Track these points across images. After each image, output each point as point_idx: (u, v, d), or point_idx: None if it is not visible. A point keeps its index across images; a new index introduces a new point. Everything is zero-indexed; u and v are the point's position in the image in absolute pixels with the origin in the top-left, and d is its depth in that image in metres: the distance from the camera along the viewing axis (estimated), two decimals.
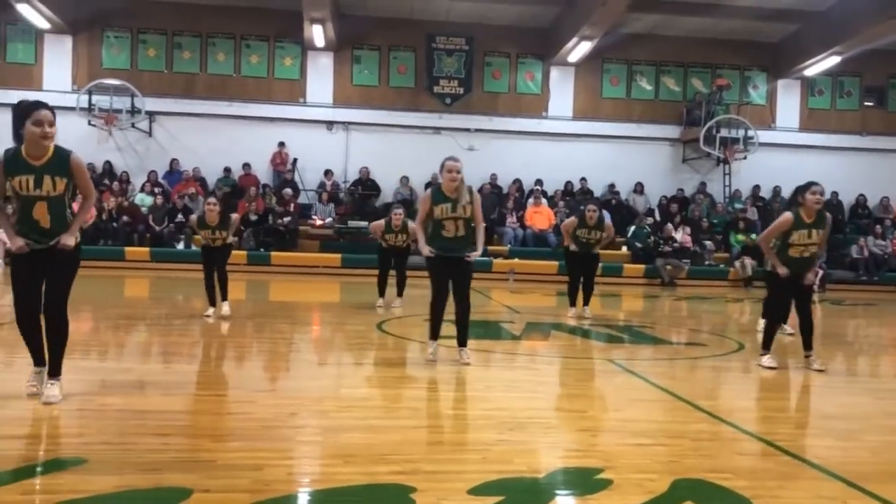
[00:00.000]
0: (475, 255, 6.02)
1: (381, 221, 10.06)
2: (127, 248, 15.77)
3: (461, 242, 6.06)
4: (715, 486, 3.42)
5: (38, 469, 3.33)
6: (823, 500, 3.35)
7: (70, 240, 4.33)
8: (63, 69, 18.44)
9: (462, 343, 6.11)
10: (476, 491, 3.23)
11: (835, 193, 19.62)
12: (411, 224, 10.11)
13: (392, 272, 10.02)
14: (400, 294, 10.02)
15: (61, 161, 4.28)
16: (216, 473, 3.33)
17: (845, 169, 19.90)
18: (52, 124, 4.20)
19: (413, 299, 10.16)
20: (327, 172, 18.59)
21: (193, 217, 9.02)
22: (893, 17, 16.20)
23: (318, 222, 17.25)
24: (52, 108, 4.23)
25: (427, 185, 18.92)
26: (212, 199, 8.59)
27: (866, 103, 20.52)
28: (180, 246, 16.08)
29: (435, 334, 6.20)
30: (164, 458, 3.51)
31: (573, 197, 18.90)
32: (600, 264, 10.07)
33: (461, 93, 19.13)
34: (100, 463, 3.39)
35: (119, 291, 12.54)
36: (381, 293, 9.94)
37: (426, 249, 6.01)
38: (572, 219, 9.99)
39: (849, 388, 5.73)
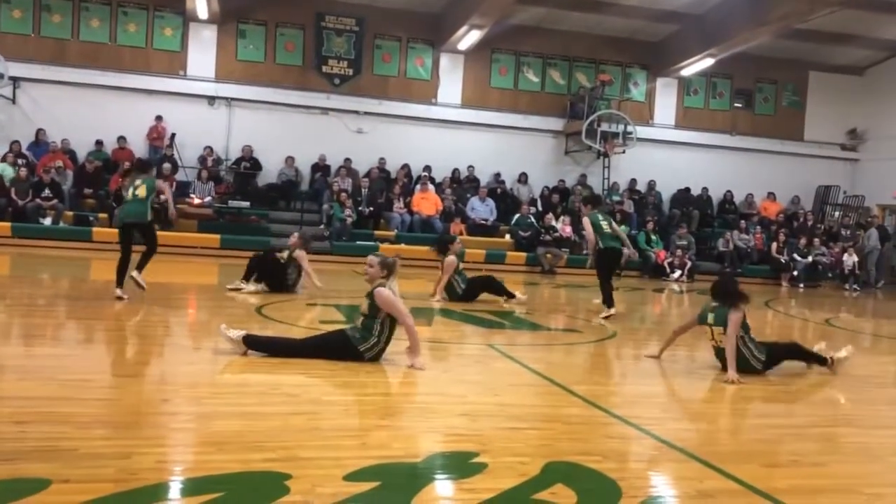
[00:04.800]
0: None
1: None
2: None
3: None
4: (585, 468, 3.55)
5: None
6: (684, 481, 3.54)
7: None
8: None
9: None
10: (352, 477, 3.22)
11: (705, 189, 20.68)
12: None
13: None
14: None
15: None
16: (78, 463, 3.17)
17: (716, 166, 21.02)
18: None
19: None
20: (207, 149, 17.94)
21: None
22: (761, 24, 17.22)
23: (197, 201, 16.62)
24: None
25: (313, 167, 18.67)
26: None
27: (736, 105, 21.69)
28: (47, 221, 15.15)
29: None
30: (21, 446, 3.31)
31: (460, 184, 19.07)
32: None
33: (350, 74, 18.86)
34: None
35: None
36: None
37: None
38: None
39: (710, 373, 6.06)
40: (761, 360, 6.05)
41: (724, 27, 17.92)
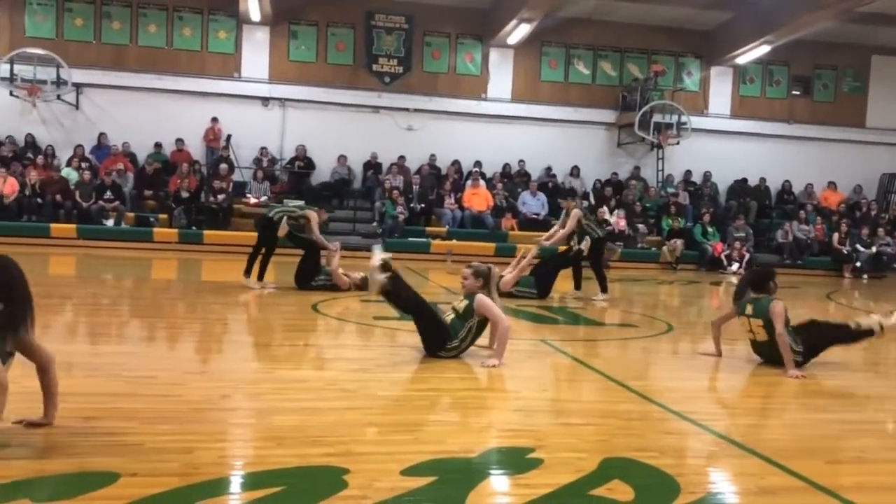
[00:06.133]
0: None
1: None
2: (52, 225, 15.22)
3: None
4: (642, 464, 3.52)
5: None
6: (744, 477, 3.48)
7: None
8: None
9: None
10: (409, 472, 3.25)
11: (762, 179, 20.22)
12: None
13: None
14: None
15: None
16: (144, 457, 3.26)
17: (773, 155, 20.53)
18: None
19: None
20: (262, 149, 18.26)
21: None
22: (820, 7, 16.72)
23: (253, 200, 16.93)
24: None
25: (365, 165, 18.85)
26: None
27: (793, 92, 21.16)
28: (109, 223, 15.61)
29: None
30: (90, 441, 3.42)
31: (511, 179, 19.02)
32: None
33: (400, 72, 18.98)
34: (21, 447, 3.29)
35: (44, 270, 12.09)
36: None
37: None
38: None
39: (769, 367, 5.92)
40: (799, 351, 5.86)
41: (780, 13, 17.47)
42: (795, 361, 5.78)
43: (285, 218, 9.63)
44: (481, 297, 5.68)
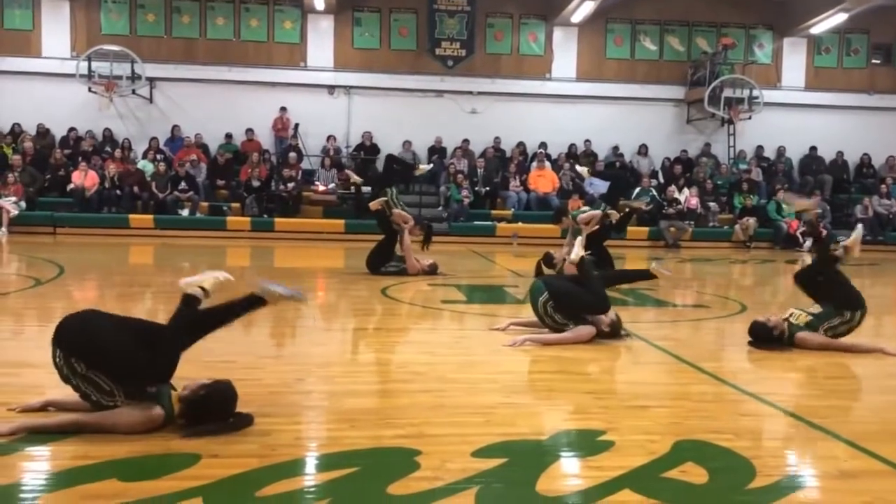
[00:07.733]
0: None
1: None
2: (131, 216, 15.79)
3: None
4: (716, 446, 3.47)
5: (48, 436, 3.37)
6: (824, 460, 3.40)
7: None
8: (62, 35, 18.26)
9: None
10: (480, 453, 3.28)
11: (840, 153, 19.50)
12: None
13: None
14: None
15: None
16: (224, 438, 3.38)
17: (851, 128, 19.74)
18: None
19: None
20: (329, 137, 18.51)
21: None
22: None
23: (321, 188, 17.20)
24: None
25: (430, 149, 18.91)
26: None
27: (874, 61, 20.27)
28: (184, 212, 16.09)
29: None
30: (173, 424, 3.56)
31: (577, 160, 18.80)
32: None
33: (463, 55, 18.91)
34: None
35: (124, 259, 12.58)
36: None
37: None
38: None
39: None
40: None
41: None
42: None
43: (389, 199, 9.72)
44: (590, 331, 5.75)
